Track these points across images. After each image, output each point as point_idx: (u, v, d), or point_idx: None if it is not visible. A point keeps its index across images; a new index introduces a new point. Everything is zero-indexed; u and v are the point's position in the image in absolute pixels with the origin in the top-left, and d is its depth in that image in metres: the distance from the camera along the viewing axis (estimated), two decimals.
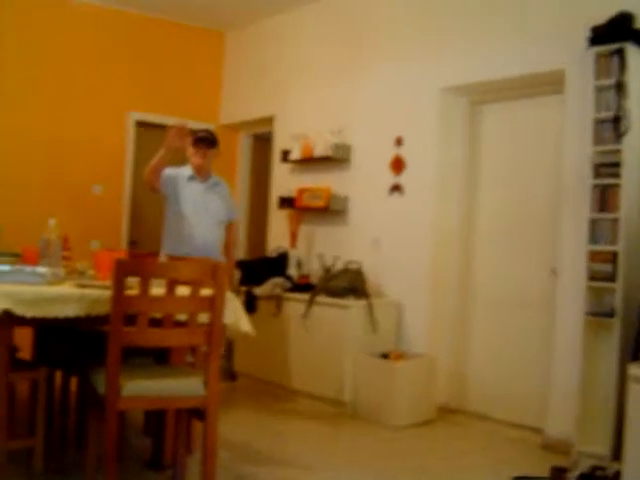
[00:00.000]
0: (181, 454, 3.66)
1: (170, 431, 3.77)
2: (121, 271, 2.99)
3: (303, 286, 6.00)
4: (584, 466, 4.10)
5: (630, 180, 4.23)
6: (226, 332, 4.01)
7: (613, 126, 4.25)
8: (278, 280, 6.10)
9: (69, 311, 3.10)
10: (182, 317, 3.27)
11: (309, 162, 6.54)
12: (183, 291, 3.23)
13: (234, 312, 3.60)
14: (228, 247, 5.30)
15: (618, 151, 4.23)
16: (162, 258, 4.57)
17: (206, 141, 5.04)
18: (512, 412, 5.19)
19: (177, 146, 4.71)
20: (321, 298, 5.64)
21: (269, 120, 7.26)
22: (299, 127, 6.69)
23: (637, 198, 4.31)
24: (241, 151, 8.14)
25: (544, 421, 4.75)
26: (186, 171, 5.08)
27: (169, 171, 4.96)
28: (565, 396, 4.51)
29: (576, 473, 4.04)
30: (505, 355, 5.32)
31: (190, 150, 5.04)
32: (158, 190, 5.00)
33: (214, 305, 3.16)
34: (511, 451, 4.60)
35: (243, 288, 6.29)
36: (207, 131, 5.20)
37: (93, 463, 3.41)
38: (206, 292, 3.22)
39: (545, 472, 4.06)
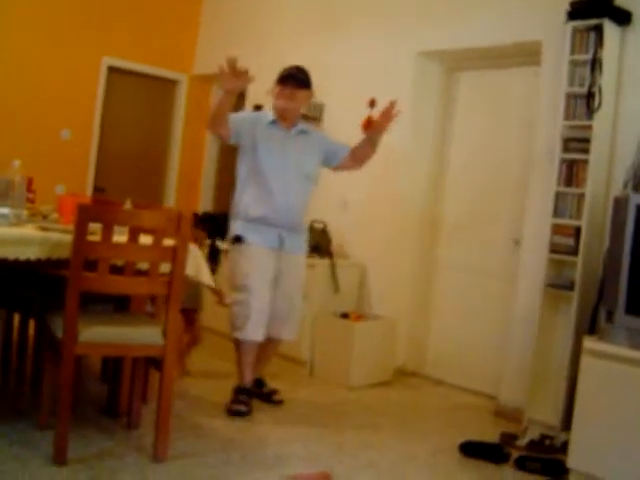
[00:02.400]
0: (136, 402, 3.67)
1: (126, 379, 3.76)
2: (83, 216, 2.96)
3: None
4: (533, 434, 4.18)
5: (598, 156, 4.26)
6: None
7: (586, 101, 4.27)
8: None
9: (30, 253, 3.07)
10: (144, 266, 3.25)
11: None
12: (146, 240, 3.21)
13: (196, 264, 3.59)
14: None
15: (589, 127, 4.26)
16: (235, 226, 4.32)
17: (294, 79, 4.30)
18: (468, 378, 5.27)
19: (235, 87, 3.90)
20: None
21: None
22: (273, 82, 6.61)
23: (604, 175, 4.34)
24: (213, 103, 8.05)
25: (498, 388, 4.82)
26: (267, 116, 4.38)
27: (245, 115, 4.40)
28: (520, 365, 4.58)
29: (525, 440, 4.13)
30: (464, 322, 5.38)
31: (274, 89, 4.33)
32: (227, 140, 4.28)
33: (176, 255, 3.15)
34: (464, 416, 4.67)
35: (207, 241, 6.26)
36: (297, 68, 4.38)
37: (48, 406, 3.42)
38: (169, 242, 3.21)
39: (495, 438, 4.13)
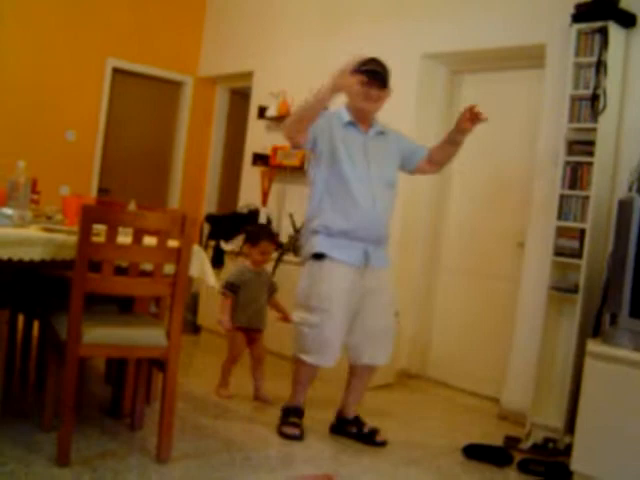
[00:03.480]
0: (140, 403, 3.68)
1: (130, 380, 3.77)
2: (88, 217, 2.97)
3: None
4: (537, 437, 4.18)
5: (603, 159, 4.25)
6: (191, 285, 4.03)
7: (590, 104, 4.26)
8: None
9: (34, 254, 3.07)
10: (148, 267, 3.26)
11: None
12: (150, 241, 3.22)
13: (200, 265, 3.59)
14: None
15: (593, 129, 4.25)
16: (315, 241, 3.86)
17: (381, 79, 3.90)
18: (471, 381, 5.26)
19: (347, 87, 3.62)
20: (289, 257, 5.64)
21: (248, 75, 7.18)
22: (278, 84, 6.62)
23: (609, 177, 4.34)
24: (218, 105, 8.07)
25: (501, 391, 4.82)
26: (341, 116, 3.93)
27: (318, 119, 3.80)
28: (523, 368, 4.57)
29: (529, 444, 4.13)
30: (468, 324, 5.37)
31: (356, 89, 3.76)
32: (302, 146, 3.92)
33: (180, 257, 3.15)
34: (467, 419, 4.66)
35: (211, 242, 6.27)
36: (379, 63, 3.99)
37: (51, 408, 3.43)
38: (173, 243, 3.21)
39: (499, 441, 4.13)
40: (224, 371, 4.65)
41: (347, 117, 3.92)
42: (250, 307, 4.59)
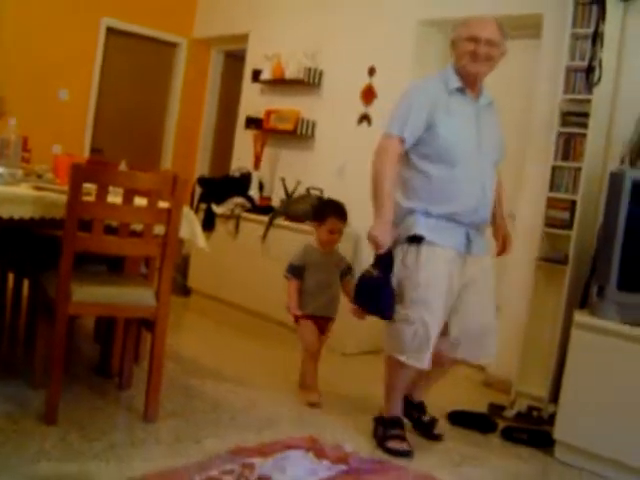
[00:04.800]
0: (128, 363, 3.70)
1: (119, 340, 3.79)
2: (78, 176, 2.96)
3: (263, 208, 6.00)
4: (521, 406, 4.22)
5: (596, 131, 4.25)
6: (182, 247, 4.03)
7: (586, 75, 4.25)
8: (239, 200, 6.08)
9: (24, 212, 3.08)
10: (138, 227, 3.26)
11: (280, 84, 6.47)
12: (141, 202, 3.21)
13: (190, 227, 3.60)
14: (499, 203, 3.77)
15: (588, 101, 4.24)
16: (416, 225, 3.36)
17: (493, 32, 3.42)
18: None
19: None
20: (280, 221, 5.65)
21: (243, 38, 7.13)
22: (273, 48, 6.58)
23: (602, 150, 4.34)
24: (212, 67, 8.02)
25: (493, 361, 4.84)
26: (448, 81, 3.45)
27: (422, 116, 3.35)
28: (511, 337, 4.59)
29: (513, 412, 4.17)
30: None
31: (459, 46, 3.42)
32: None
33: (171, 218, 3.15)
34: (454, 387, 4.68)
35: (203, 205, 6.27)
36: (489, 20, 3.49)
37: (41, 365, 3.44)
38: (164, 205, 3.21)
39: (484, 408, 4.17)
40: (304, 370, 4.10)
41: (456, 82, 3.43)
42: (318, 292, 4.06)
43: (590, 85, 4.23)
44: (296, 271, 4.07)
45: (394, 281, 3.36)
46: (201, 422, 3.40)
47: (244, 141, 6.82)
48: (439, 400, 4.23)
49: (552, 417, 3.80)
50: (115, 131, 7.46)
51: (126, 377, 3.70)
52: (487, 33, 3.38)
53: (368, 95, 5.77)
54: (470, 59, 3.39)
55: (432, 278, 3.33)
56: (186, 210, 3.46)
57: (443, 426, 3.78)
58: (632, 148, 4.04)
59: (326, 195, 5.70)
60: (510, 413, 4.15)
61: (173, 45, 7.81)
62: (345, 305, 3.98)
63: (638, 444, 3.33)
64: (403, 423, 3.54)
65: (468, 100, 3.46)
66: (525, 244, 4.59)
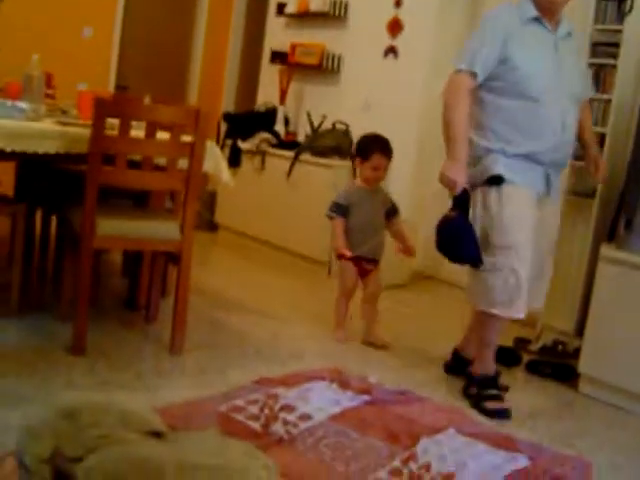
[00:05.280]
0: (155, 296, 3.75)
1: (146, 273, 3.83)
2: (101, 110, 2.96)
3: (289, 143, 5.97)
4: (547, 340, 4.22)
5: (627, 62, 4.14)
6: (208, 183, 4.02)
7: (617, 5, 4.14)
8: (264, 135, 6.06)
9: (49, 147, 3.08)
10: (162, 162, 3.26)
11: (305, 17, 6.38)
12: (165, 137, 3.21)
13: (215, 161, 3.59)
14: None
15: (619, 31, 4.13)
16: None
17: None
18: None
19: None
20: (306, 156, 5.62)
21: None
22: None
23: (632, 81, 4.23)
24: (237, 1, 7.91)
25: None
26: (524, 11, 3.20)
27: (495, 49, 3.15)
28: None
29: (538, 345, 4.17)
30: None
31: None
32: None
33: (194, 151, 3.14)
34: None
35: (229, 141, 6.25)
36: None
37: (67, 298, 3.49)
38: (187, 139, 3.20)
39: (509, 342, 4.18)
40: (337, 309, 4.06)
41: (532, 11, 3.19)
42: (362, 232, 3.94)
43: (622, 15, 4.12)
44: (341, 210, 3.94)
45: (477, 228, 3.18)
46: (226, 354, 3.44)
47: (269, 76, 6.76)
48: (461, 334, 4.25)
49: (577, 351, 3.79)
50: (140, 68, 7.41)
51: (153, 310, 3.74)
52: None
53: (394, 27, 5.67)
54: None
55: (518, 219, 3.15)
56: (210, 144, 3.44)
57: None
58: None
59: (352, 129, 5.66)
60: (535, 347, 4.16)
61: None
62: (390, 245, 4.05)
63: (626, 368, 3.34)
64: (498, 381, 3.36)
65: (545, 31, 3.21)
66: None
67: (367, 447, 2.53)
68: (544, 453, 2.71)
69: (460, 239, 3.16)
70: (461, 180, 3.12)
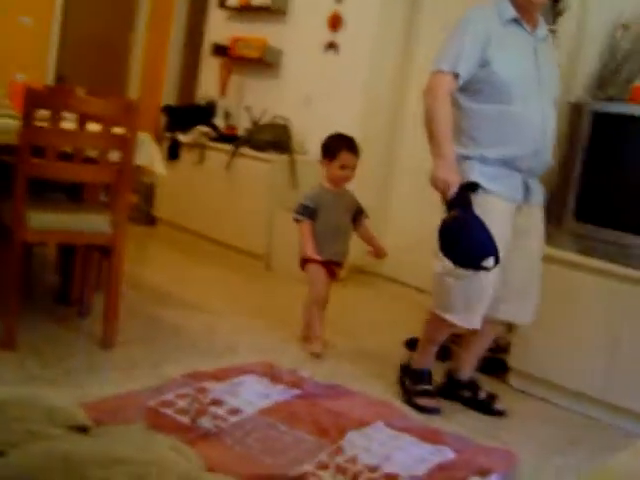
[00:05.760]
0: (88, 290, 3.71)
1: (79, 268, 3.78)
2: (31, 101, 2.93)
3: (229, 137, 5.94)
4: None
5: (561, 62, 4.13)
6: (143, 176, 3.99)
7: (551, 5, 4.21)
8: (204, 129, 6.02)
9: None
10: (94, 155, 3.23)
11: (247, 10, 6.34)
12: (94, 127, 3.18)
13: (148, 154, 3.56)
14: None
15: (553, 31, 4.19)
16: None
17: None
18: (421, 278, 5.32)
19: None
20: (245, 150, 5.61)
21: None
22: None
23: (565, 81, 4.22)
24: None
25: None
26: (502, 12, 3.08)
27: (475, 52, 3.01)
28: None
29: None
30: (421, 224, 5.39)
31: None
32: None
33: (125, 144, 3.12)
34: (414, 314, 4.73)
35: (167, 134, 6.20)
36: None
37: None
38: (119, 130, 3.17)
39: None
40: (308, 319, 3.84)
41: (511, 12, 3.08)
42: (331, 235, 3.81)
43: (556, 15, 4.19)
44: (308, 212, 3.78)
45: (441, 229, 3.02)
46: (160, 348, 3.43)
47: (210, 69, 6.72)
48: (399, 328, 4.30)
49: (509, 345, 3.86)
50: (80, 59, 7.30)
51: (86, 305, 3.71)
52: None
53: (335, 23, 5.69)
54: None
55: (491, 229, 2.94)
56: (143, 136, 3.41)
57: (502, 400, 3.41)
58: (595, 80, 4.03)
59: (292, 124, 5.66)
60: None
61: None
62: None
63: (590, 372, 3.41)
64: (432, 377, 3.34)
65: (525, 33, 3.11)
66: None
67: (295, 440, 2.55)
68: (470, 445, 2.77)
69: (472, 237, 2.93)
70: (454, 179, 2.96)
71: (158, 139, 6.04)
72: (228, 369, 3.12)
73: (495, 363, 3.83)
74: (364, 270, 5.66)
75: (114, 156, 3.18)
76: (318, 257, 3.75)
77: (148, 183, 5.97)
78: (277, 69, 6.14)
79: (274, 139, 5.47)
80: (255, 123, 5.84)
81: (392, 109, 5.66)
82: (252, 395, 2.84)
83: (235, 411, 2.69)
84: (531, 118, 3.03)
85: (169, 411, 2.64)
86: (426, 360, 3.35)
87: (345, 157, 3.81)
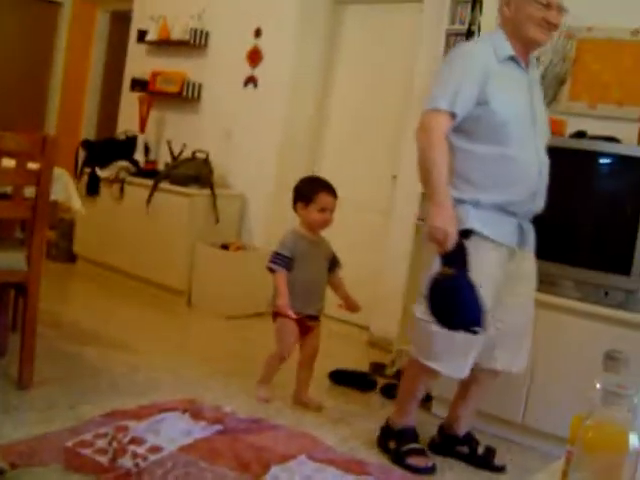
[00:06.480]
0: (3, 330, 3.61)
1: None
2: None
3: (149, 172, 5.90)
4: (402, 364, 4.31)
5: None
6: (60, 212, 3.92)
7: (465, 39, 4.32)
8: (123, 164, 5.97)
9: None
10: (9, 190, 3.17)
11: (166, 45, 6.35)
12: (9, 163, 3.12)
13: (65, 189, 3.50)
14: None
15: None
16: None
17: None
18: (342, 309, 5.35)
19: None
20: (165, 185, 5.57)
21: None
22: (159, 8, 6.44)
23: None
24: (98, 28, 7.79)
25: (371, 319, 4.94)
26: (499, 49, 2.90)
27: (473, 92, 2.82)
28: (392, 296, 4.69)
29: (394, 369, 4.26)
30: (341, 253, 5.42)
31: (529, 11, 2.85)
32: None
33: (40, 179, 3.07)
34: (338, 346, 4.77)
35: (87, 169, 6.12)
36: None
37: None
38: (34, 166, 3.12)
39: (366, 367, 4.26)
40: (267, 367, 3.67)
41: (509, 50, 2.91)
42: (308, 288, 3.59)
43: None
44: (284, 262, 3.53)
45: (429, 276, 2.87)
46: (78, 388, 3.35)
47: (130, 103, 6.67)
48: (323, 360, 4.29)
49: None
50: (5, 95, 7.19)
51: (1, 344, 3.61)
52: None
53: (254, 57, 5.73)
54: (537, 26, 2.85)
55: (480, 279, 2.80)
56: (59, 172, 3.35)
57: (503, 457, 3.25)
58: None
59: (212, 158, 5.65)
60: (391, 371, 4.24)
61: (57, 5, 7.55)
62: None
63: (509, 399, 3.47)
64: (417, 434, 3.15)
65: (520, 71, 2.95)
66: (405, 205, 4.68)
67: (216, 477, 2.52)
68: (393, 474, 2.78)
69: (462, 303, 2.80)
70: (452, 229, 2.76)
71: (77, 175, 5.96)
72: (149, 407, 3.07)
73: None
74: None
75: (30, 192, 3.12)
76: (293, 315, 3.48)
77: (68, 219, 5.90)
78: (197, 103, 6.14)
79: (194, 173, 5.45)
80: (175, 157, 5.82)
81: (311, 143, 5.71)
82: (173, 432, 2.80)
83: (155, 449, 2.64)
84: (528, 161, 2.88)
85: (87, 451, 2.58)
86: (408, 418, 3.14)
87: (324, 199, 3.58)
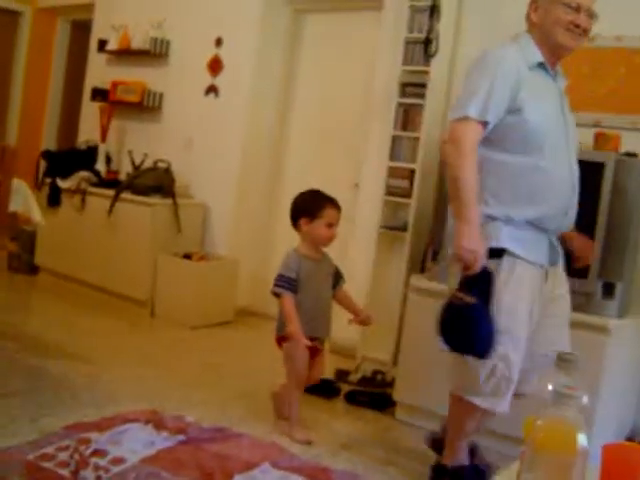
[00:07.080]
0: None
1: None
2: None
3: (110, 182, 5.87)
4: (366, 370, 4.34)
5: (434, 101, 4.38)
6: (20, 223, 3.90)
7: (424, 47, 4.37)
8: (85, 174, 5.92)
9: None
10: None
11: (126, 54, 6.32)
12: None
13: (25, 201, 3.49)
14: None
15: (425, 72, 4.36)
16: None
17: None
18: None
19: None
20: (127, 195, 5.54)
21: (90, 7, 6.91)
22: (119, 17, 6.42)
23: (439, 119, 4.47)
24: (58, 38, 7.74)
25: (333, 326, 4.93)
26: (528, 55, 2.74)
27: (505, 94, 2.64)
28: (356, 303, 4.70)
29: (358, 376, 4.28)
30: None
31: (556, 15, 2.69)
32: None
33: None
34: None
35: (48, 180, 6.07)
36: None
37: None
38: None
39: (331, 374, 4.26)
40: (292, 403, 3.40)
41: (538, 56, 2.75)
42: (314, 310, 3.41)
43: (427, 57, 4.35)
44: (290, 284, 3.34)
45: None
46: (40, 401, 3.32)
47: (91, 113, 6.63)
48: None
49: (394, 380, 3.92)
50: None
51: None
52: (589, 1, 2.71)
53: (215, 66, 5.74)
54: (566, 31, 2.70)
55: (516, 302, 2.66)
56: (18, 183, 3.34)
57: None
58: None
59: (173, 168, 5.64)
60: (355, 377, 4.26)
61: (16, 14, 7.49)
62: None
63: None
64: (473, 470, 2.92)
65: (550, 79, 2.79)
66: (368, 212, 4.70)
67: None
68: None
69: (477, 336, 2.63)
70: (481, 250, 2.58)
71: (38, 185, 5.91)
72: (111, 418, 3.05)
73: (382, 398, 3.90)
74: (250, 311, 5.66)
75: None
76: (308, 342, 3.28)
77: (29, 231, 5.85)
78: (158, 113, 6.13)
79: (156, 183, 5.43)
80: (137, 167, 5.80)
81: (273, 152, 5.72)
82: (135, 443, 2.78)
83: (118, 460, 2.63)
84: (562, 173, 2.71)
85: (49, 464, 2.56)
86: (461, 455, 2.89)
87: (330, 213, 3.42)
